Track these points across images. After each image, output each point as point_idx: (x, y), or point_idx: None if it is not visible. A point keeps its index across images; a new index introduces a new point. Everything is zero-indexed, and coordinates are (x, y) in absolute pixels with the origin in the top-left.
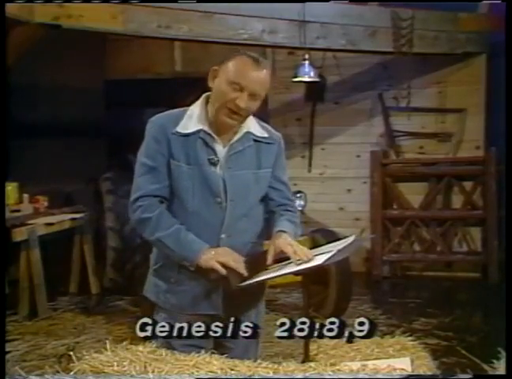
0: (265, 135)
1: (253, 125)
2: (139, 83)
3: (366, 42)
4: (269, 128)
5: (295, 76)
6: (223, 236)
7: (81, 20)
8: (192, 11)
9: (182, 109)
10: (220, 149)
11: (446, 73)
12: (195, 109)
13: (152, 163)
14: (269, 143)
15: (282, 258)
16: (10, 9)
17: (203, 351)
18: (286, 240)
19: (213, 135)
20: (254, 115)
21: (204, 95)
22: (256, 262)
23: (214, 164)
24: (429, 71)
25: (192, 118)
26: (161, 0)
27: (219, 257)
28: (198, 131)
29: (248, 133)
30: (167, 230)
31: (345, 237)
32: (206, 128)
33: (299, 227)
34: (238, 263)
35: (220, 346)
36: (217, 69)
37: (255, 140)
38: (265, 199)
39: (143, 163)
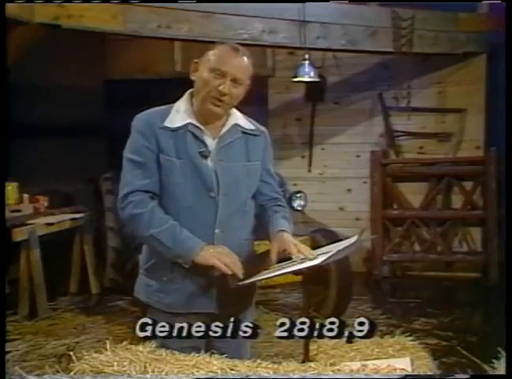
0: (252, 127)
1: (240, 118)
2: (139, 83)
3: (366, 42)
4: (255, 122)
5: (295, 76)
6: (217, 231)
7: (81, 20)
8: (192, 11)
9: (167, 105)
10: (210, 141)
11: (446, 73)
12: (181, 104)
13: (141, 159)
14: (256, 135)
15: (282, 258)
16: (10, 9)
17: (202, 351)
18: (289, 239)
19: (202, 128)
20: (253, 114)
21: (188, 91)
22: (255, 263)
23: (205, 157)
24: (429, 71)
25: (179, 113)
26: (161, 0)
27: (221, 257)
28: (187, 124)
29: (236, 125)
30: (161, 226)
31: (347, 237)
32: (194, 121)
33: (292, 223)
34: (236, 265)
35: (211, 347)
36: (198, 62)
37: (243, 133)
38: (255, 194)
39: (130, 159)
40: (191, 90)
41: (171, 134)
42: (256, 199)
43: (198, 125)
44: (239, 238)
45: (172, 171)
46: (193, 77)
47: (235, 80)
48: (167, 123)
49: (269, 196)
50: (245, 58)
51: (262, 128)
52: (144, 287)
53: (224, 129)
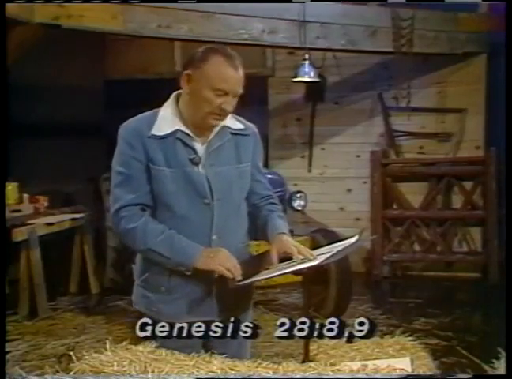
0: (241, 127)
1: (228, 119)
2: (139, 83)
3: (366, 42)
4: (243, 120)
5: (295, 76)
6: (214, 237)
7: (81, 20)
8: (192, 11)
9: (152, 111)
10: (200, 147)
11: (446, 73)
12: (167, 109)
13: (128, 171)
14: (245, 135)
15: (282, 258)
16: (10, 9)
17: (202, 351)
18: (288, 240)
19: (191, 134)
20: (253, 114)
21: (174, 95)
22: (254, 264)
23: (196, 164)
24: (429, 71)
25: (166, 119)
26: (161, 0)
27: (222, 262)
28: (175, 132)
29: (224, 127)
30: (157, 237)
31: (347, 237)
32: (182, 128)
33: (286, 220)
34: (236, 268)
35: (210, 348)
36: (191, 74)
37: (232, 134)
38: (247, 194)
39: (119, 171)
40: (176, 93)
41: (160, 142)
42: (248, 198)
43: (187, 131)
44: (236, 241)
45: (164, 181)
46: (185, 89)
47: (236, 95)
48: (155, 131)
49: (261, 194)
50: (240, 68)
51: (251, 125)
52: (142, 299)
53: (213, 133)
